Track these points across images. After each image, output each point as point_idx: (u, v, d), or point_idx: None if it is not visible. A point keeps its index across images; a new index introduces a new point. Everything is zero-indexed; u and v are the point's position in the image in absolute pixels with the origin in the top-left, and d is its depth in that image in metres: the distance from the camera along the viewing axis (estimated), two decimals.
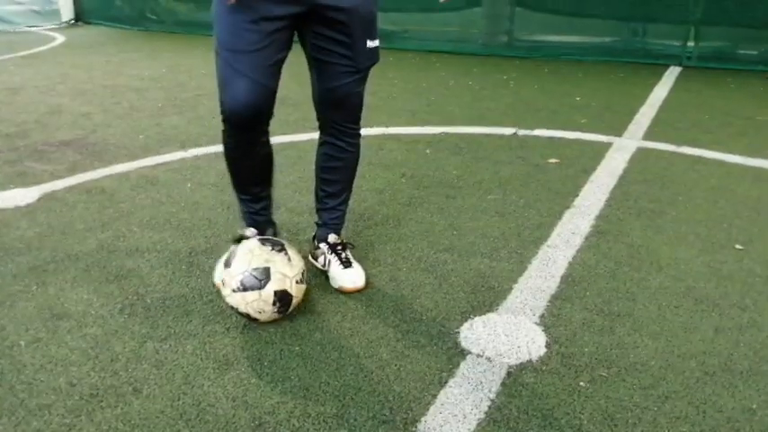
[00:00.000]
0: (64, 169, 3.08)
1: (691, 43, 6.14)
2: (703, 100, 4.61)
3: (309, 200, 2.60)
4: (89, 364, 1.61)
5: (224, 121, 1.77)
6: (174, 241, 2.30)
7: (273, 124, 1.83)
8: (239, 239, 1.96)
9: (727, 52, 6.21)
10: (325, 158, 1.98)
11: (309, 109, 1.90)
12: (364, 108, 1.93)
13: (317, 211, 2.08)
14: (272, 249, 1.75)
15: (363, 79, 1.86)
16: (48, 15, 10.10)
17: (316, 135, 1.98)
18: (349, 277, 1.95)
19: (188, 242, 2.30)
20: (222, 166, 3.10)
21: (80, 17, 10.18)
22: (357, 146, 1.97)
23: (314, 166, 2.03)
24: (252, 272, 1.69)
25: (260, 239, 1.80)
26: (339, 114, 1.88)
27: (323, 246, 2.05)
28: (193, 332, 1.75)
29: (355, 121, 1.92)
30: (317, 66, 1.81)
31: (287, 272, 1.72)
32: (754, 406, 1.48)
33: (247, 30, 1.64)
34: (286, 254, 1.75)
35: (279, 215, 2.54)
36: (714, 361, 1.64)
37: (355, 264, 2.01)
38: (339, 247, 2.02)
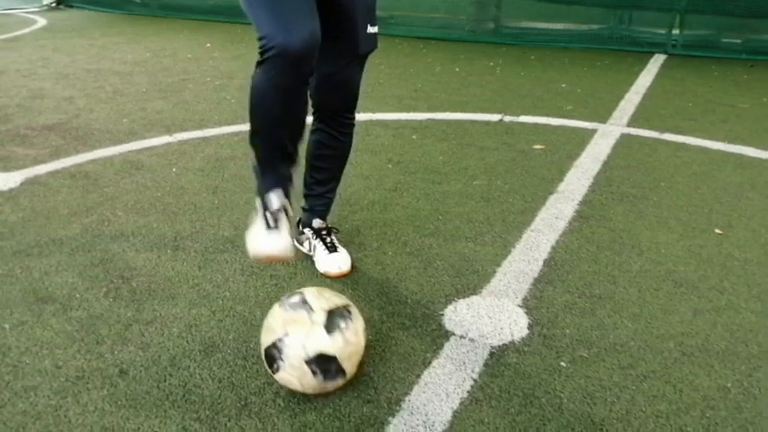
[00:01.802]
0: (47, 154, 3.05)
1: (676, 31, 6.18)
2: (687, 87, 4.65)
3: (297, 184, 2.60)
4: (75, 346, 1.62)
5: (277, 58, 1.50)
6: (160, 225, 2.30)
7: None
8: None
9: (712, 40, 6.26)
10: (318, 146, 1.97)
11: None
12: None
13: (305, 196, 2.08)
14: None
15: (361, 66, 1.85)
16: None
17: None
18: (334, 262, 1.97)
19: (173, 226, 2.29)
20: (209, 150, 3.10)
21: (61, 0, 10.00)
22: (350, 135, 1.97)
23: (304, 152, 2.03)
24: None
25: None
26: (336, 102, 1.87)
27: (308, 231, 2.05)
28: (179, 315, 1.76)
29: (351, 110, 1.91)
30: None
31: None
32: (729, 384, 1.52)
33: None
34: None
35: None
36: (692, 342, 1.68)
37: (341, 248, 2.02)
38: (324, 232, 2.03)
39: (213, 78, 4.77)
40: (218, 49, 6.09)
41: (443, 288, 1.91)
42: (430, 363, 1.57)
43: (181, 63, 5.39)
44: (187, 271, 1.99)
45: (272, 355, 1.40)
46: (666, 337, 1.70)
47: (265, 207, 1.65)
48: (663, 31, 6.22)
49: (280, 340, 1.38)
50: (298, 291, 1.49)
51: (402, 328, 1.71)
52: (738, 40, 6.23)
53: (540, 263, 2.06)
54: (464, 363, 1.57)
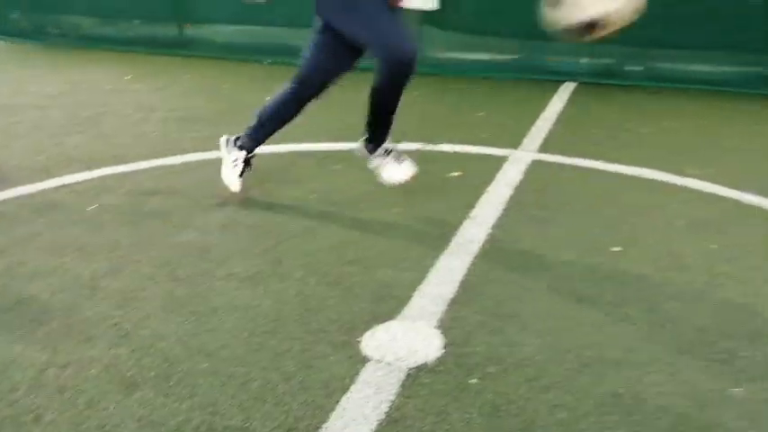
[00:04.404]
0: None
1: (584, 60, 6.61)
2: (593, 114, 4.99)
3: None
4: None
5: (401, 62, 2.78)
6: (76, 265, 2.27)
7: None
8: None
9: (616, 69, 6.73)
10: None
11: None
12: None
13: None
14: None
15: None
16: None
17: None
18: (402, 172, 2.99)
19: (90, 265, 2.27)
20: (129, 185, 3.07)
21: None
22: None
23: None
24: None
25: None
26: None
27: (380, 150, 3.10)
28: (97, 357, 1.75)
29: None
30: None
31: None
32: (622, 391, 1.66)
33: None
34: None
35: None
36: (589, 353, 1.82)
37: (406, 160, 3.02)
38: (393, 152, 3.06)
39: (134, 111, 4.71)
40: (139, 80, 6.00)
41: (362, 315, 1.98)
42: (348, 388, 1.63)
43: (100, 95, 5.29)
44: (105, 311, 1.98)
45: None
46: (568, 349, 1.84)
47: (244, 158, 2.90)
48: (572, 60, 6.64)
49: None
50: None
51: (322, 357, 1.77)
52: (641, 68, 6.72)
53: (456, 285, 2.18)
54: (381, 386, 1.64)
